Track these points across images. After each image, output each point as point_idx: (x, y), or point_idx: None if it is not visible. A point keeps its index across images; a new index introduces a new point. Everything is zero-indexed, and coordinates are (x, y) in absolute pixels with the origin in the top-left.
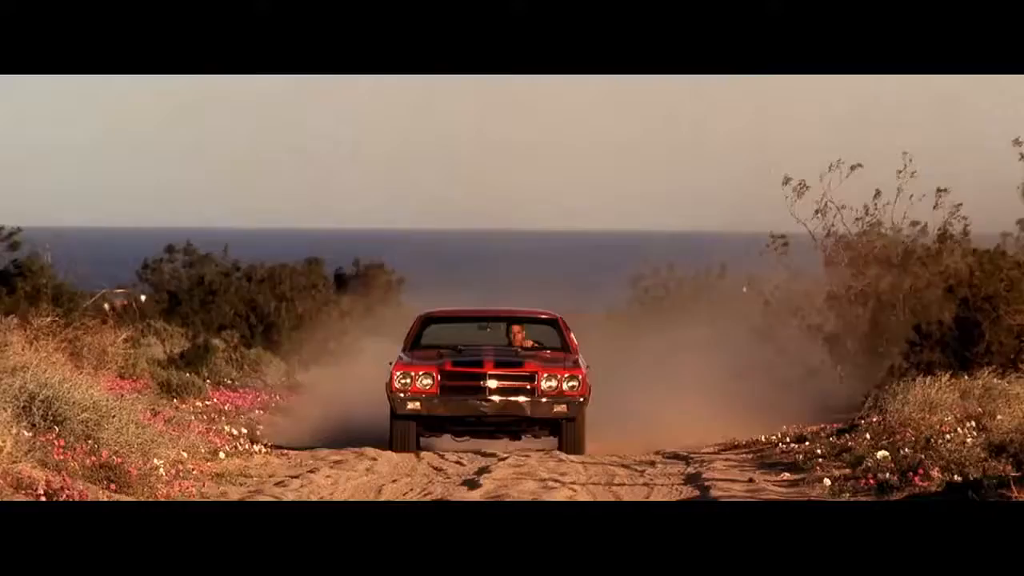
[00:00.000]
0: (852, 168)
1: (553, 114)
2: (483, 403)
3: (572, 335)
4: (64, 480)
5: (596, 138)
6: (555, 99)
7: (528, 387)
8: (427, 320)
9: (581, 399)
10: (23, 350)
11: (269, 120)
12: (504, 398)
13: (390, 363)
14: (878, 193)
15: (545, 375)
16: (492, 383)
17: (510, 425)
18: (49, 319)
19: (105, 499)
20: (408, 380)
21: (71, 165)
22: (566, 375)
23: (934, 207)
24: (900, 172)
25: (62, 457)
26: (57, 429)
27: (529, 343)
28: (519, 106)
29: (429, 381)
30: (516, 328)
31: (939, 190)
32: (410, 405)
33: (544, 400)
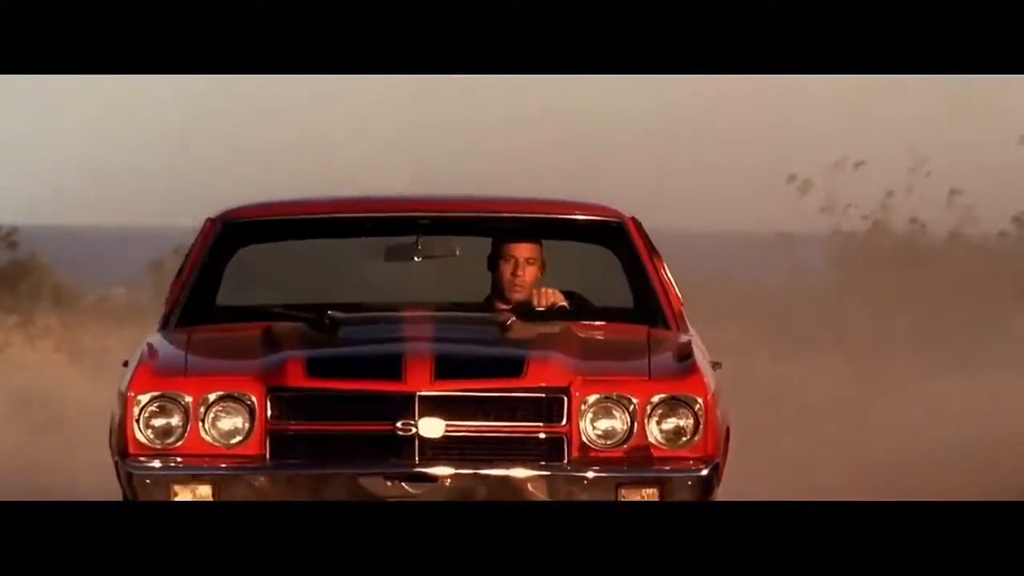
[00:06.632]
0: (856, 166)
1: (545, 112)
2: (403, 486)
3: (667, 273)
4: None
5: (593, 137)
6: (546, 97)
7: (541, 436)
8: (232, 231)
9: (704, 470)
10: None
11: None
12: (467, 472)
13: (125, 363)
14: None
15: (594, 397)
16: (430, 426)
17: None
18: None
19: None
20: (175, 419)
21: (70, 164)
22: (660, 396)
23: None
24: (911, 170)
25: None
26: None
27: (551, 298)
28: (511, 106)
29: (238, 422)
30: (523, 251)
31: (953, 191)
32: (181, 495)
33: (594, 475)
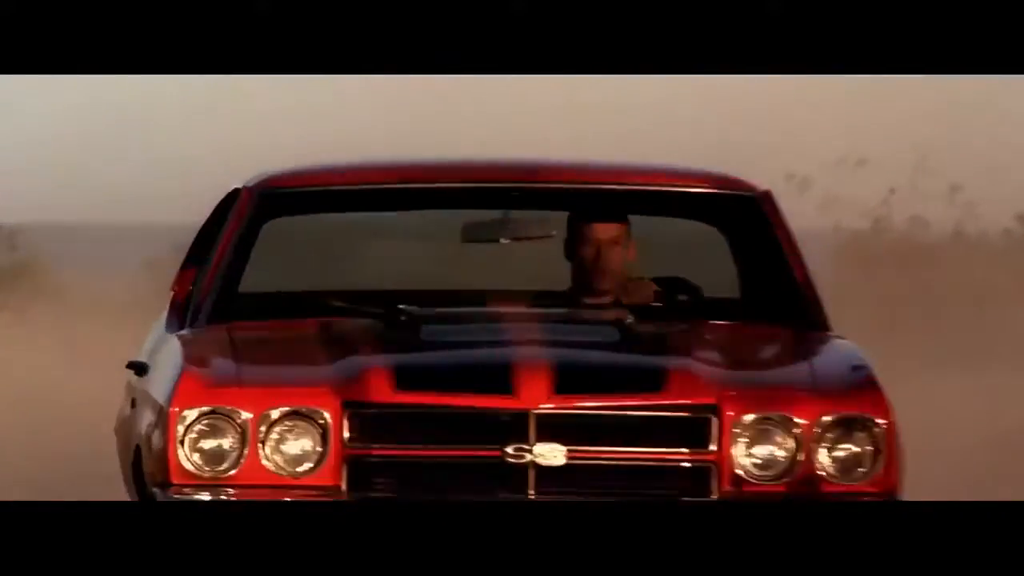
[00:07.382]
0: (860, 163)
1: (543, 112)
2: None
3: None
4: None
5: (592, 137)
6: (544, 97)
7: (684, 464)
8: (270, 202)
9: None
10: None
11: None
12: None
13: (131, 367)
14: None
15: (750, 417)
16: (549, 452)
17: None
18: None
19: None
20: (228, 441)
21: (69, 164)
22: (832, 417)
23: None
24: (914, 167)
25: None
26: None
27: (641, 293)
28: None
29: (307, 445)
30: (602, 232)
31: (956, 189)
32: None
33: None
